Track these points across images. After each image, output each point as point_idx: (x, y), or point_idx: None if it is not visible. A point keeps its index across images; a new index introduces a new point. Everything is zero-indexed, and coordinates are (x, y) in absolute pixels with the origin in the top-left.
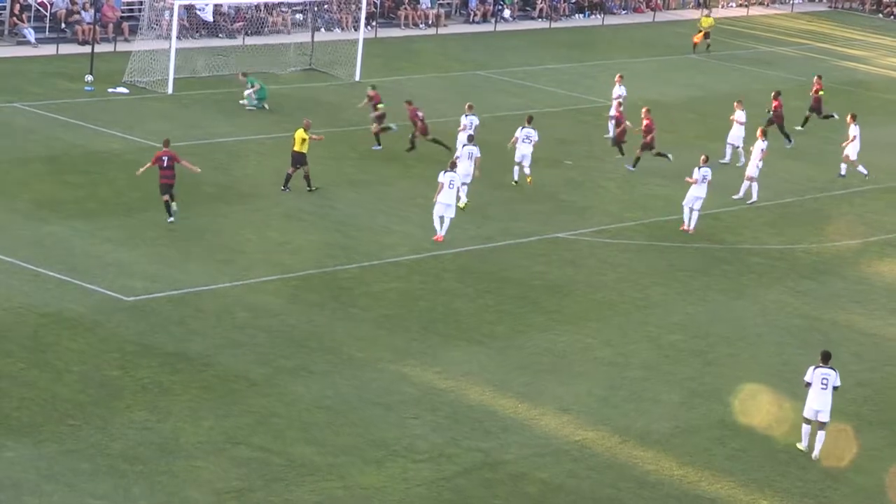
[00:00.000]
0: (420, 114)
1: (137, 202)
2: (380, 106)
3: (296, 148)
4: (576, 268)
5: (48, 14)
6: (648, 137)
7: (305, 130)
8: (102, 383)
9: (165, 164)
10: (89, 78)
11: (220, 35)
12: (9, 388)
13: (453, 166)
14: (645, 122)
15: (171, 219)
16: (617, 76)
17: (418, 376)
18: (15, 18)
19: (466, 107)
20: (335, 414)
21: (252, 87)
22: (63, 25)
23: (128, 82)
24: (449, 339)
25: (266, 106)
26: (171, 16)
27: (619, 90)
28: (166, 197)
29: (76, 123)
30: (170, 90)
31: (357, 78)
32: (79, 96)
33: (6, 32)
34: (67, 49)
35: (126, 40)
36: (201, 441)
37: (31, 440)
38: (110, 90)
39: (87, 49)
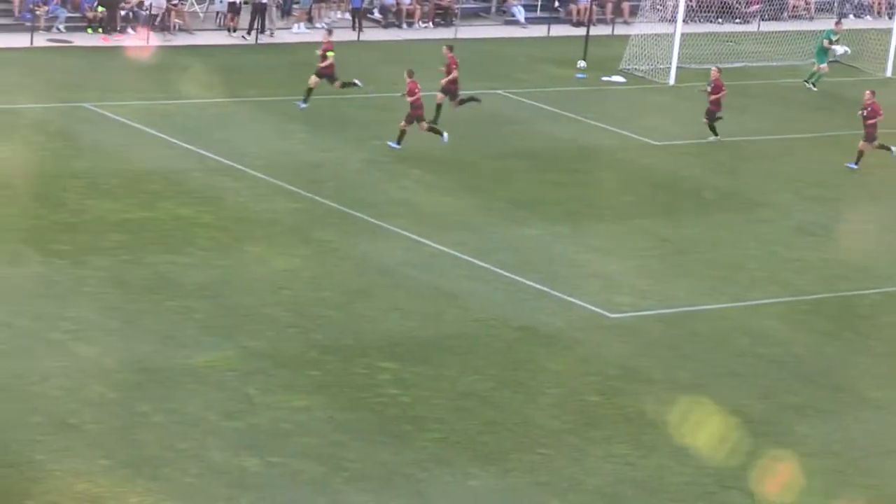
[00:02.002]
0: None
1: (627, 207)
2: (329, 54)
3: None
4: None
5: None
6: (712, 97)
7: None
8: (580, 409)
9: (419, 94)
10: (582, 64)
11: (734, 19)
12: (477, 409)
13: None
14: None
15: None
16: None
17: None
18: None
19: None
20: (844, 462)
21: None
22: (557, 4)
23: (625, 70)
24: None
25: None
26: None
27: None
28: (424, 123)
29: (564, 115)
30: (671, 80)
31: (888, 73)
32: (569, 84)
33: (494, 10)
34: (559, 31)
35: (625, 22)
36: (688, 483)
37: (498, 469)
38: (604, 78)
39: (581, 31)
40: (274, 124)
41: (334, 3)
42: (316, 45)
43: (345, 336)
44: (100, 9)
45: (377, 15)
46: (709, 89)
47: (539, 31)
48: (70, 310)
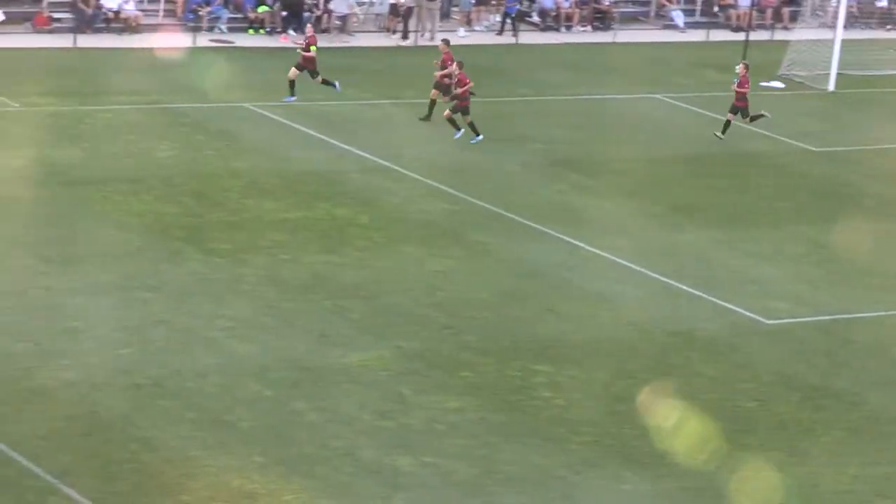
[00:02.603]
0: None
1: (784, 212)
2: (312, 48)
3: None
4: None
5: None
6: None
7: None
8: (734, 415)
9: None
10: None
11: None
12: (630, 413)
13: None
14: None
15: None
16: None
17: None
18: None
19: None
20: None
21: None
22: (716, 9)
23: (783, 76)
24: None
25: None
26: (839, 2)
27: None
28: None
29: (723, 120)
30: (831, 87)
31: None
32: (728, 89)
33: (653, 14)
34: (719, 35)
35: (785, 28)
36: (843, 490)
37: (650, 473)
38: (763, 83)
39: (740, 36)
40: (430, 126)
41: (493, 5)
42: (474, 47)
43: (499, 338)
44: (260, 9)
45: (536, 18)
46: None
47: (698, 35)
48: (227, 308)
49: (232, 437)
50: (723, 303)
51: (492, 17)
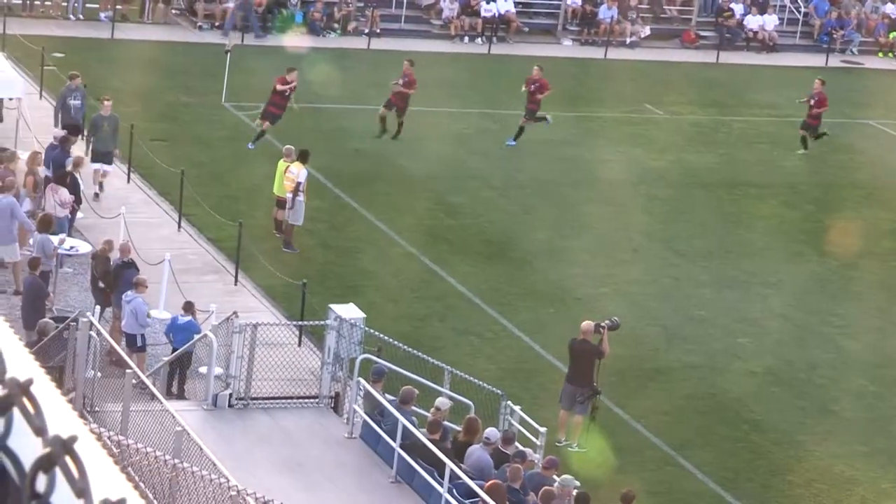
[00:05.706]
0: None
1: None
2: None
3: None
4: None
5: None
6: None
7: None
8: None
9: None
10: None
11: None
12: None
13: None
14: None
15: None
16: None
17: None
18: None
19: None
20: None
21: None
22: None
23: None
24: None
25: None
26: None
27: None
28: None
29: None
30: None
31: None
32: None
33: None
34: None
35: None
36: None
37: None
38: None
39: None
40: None
41: None
42: None
43: None
44: (892, 35)
45: None
46: (812, 102)
47: None
48: (840, 307)
49: (837, 425)
50: None
51: None
